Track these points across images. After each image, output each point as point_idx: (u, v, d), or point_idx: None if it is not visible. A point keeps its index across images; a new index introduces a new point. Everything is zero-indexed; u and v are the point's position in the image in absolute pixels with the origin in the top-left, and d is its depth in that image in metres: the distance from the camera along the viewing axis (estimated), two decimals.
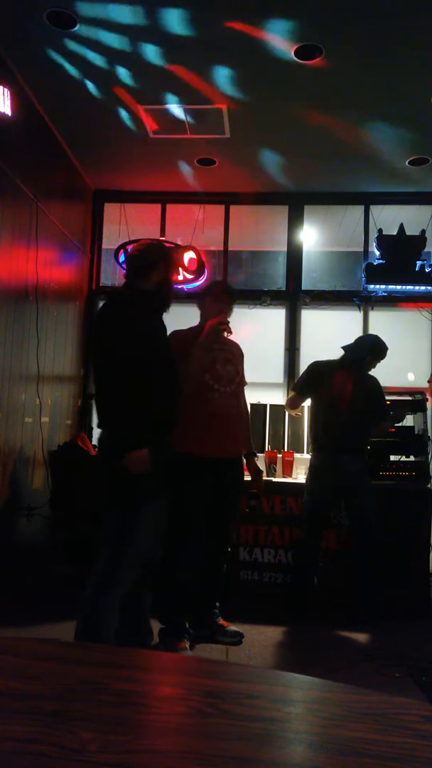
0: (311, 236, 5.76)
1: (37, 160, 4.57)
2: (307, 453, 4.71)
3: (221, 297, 3.19)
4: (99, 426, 2.53)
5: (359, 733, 0.74)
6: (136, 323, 2.44)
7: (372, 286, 5.30)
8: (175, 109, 4.31)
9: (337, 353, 4.07)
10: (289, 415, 4.52)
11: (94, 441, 4.93)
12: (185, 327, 3.19)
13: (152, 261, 2.58)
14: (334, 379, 3.85)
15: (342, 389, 3.80)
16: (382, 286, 5.30)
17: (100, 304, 5.70)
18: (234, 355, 3.29)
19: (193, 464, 3.01)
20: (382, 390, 3.90)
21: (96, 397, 2.53)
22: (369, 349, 3.90)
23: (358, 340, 4.07)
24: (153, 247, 2.72)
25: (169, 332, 2.65)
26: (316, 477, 3.82)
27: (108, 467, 2.44)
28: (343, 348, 3.98)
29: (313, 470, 3.85)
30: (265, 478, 4.23)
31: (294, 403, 4.09)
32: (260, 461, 4.40)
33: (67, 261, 5.23)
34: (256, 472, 3.44)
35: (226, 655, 3.09)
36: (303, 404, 4.22)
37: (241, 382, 3.32)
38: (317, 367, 3.97)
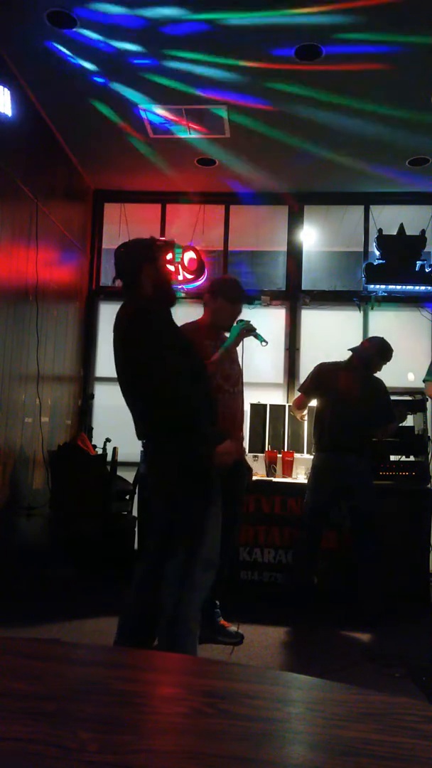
0: (311, 236, 5.76)
1: (37, 160, 4.57)
2: (308, 453, 4.71)
3: (238, 301, 3.16)
4: (150, 432, 2.42)
5: (359, 733, 0.74)
6: (158, 332, 2.36)
7: (372, 286, 5.30)
8: (175, 109, 4.31)
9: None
10: (294, 417, 4.44)
11: (95, 441, 4.94)
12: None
13: (138, 265, 2.44)
14: (340, 380, 3.85)
15: (348, 390, 3.80)
16: (382, 286, 5.30)
17: (101, 304, 5.75)
18: (236, 354, 3.28)
19: None
20: (388, 392, 3.90)
21: (141, 406, 2.41)
22: (377, 350, 3.90)
23: (365, 343, 4.07)
24: (131, 250, 2.55)
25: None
26: (318, 477, 3.82)
27: (177, 468, 2.35)
28: (351, 350, 3.98)
29: (316, 470, 3.84)
30: (265, 478, 4.24)
31: (300, 404, 4.06)
32: (260, 461, 4.41)
33: (67, 261, 5.23)
34: (246, 468, 3.41)
35: (227, 656, 3.09)
36: (307, 408, 4.16)
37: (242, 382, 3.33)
38: (323, 368, 3.96)
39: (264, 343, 3.17)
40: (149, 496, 2.63)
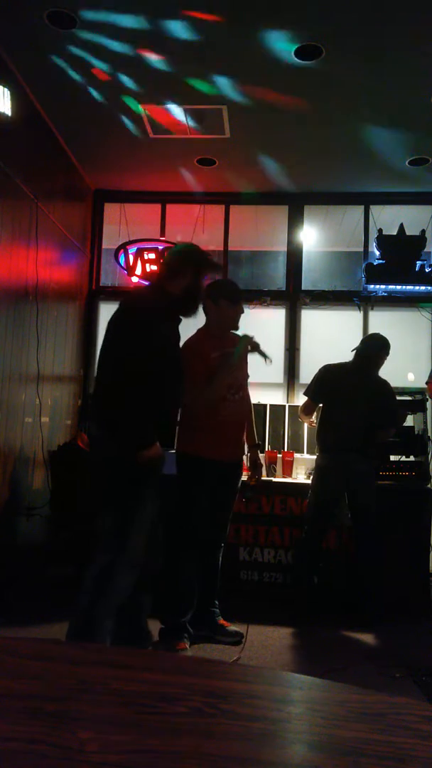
0: (311, 236, 5.76)
1: (37, 160, 4.57)
2: (308, 453, 4.71)
3: (239, 301, 3.17)
4: (96, 421, 2.51)
5: (359, 733, 0.74)
6: (149, 330, 2.43)
7: (372, 286, 5.30)
8: (175, 109, 4.31)
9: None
10: (303, 422, 4.35)
11: None
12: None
13: (180, 266, 2.57)
14: (345, 381, 3.84)
15: (354, 391, 3.79)
16: (382, 286, 5.30)
17: (101, 304, 5.75)
18: (243, 361, 3.29)
19: (200, 466, 3.03)
20: (395, 395, 3.88)
21: (98, 394, 2.50)
22: (380, 347, 3.89)
23: (367, 340, 4.04)
24: (185, 252, 2.68)
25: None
26: (323, 477, 3.81)
27: (111, 462, 2.43)
28: (355, 350, 3.95)
29: (321, 470, 3.83)
30: (265, 478, 4.23)
31: (308, 409, 4.00)
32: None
33: (67, 261, 5.23)
34: (254, 466, 3.43)
35: (226, 656, 3.09)
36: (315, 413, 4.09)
37: (247, 386, 3.35)
38: (328, 370, 3.94)
39: (268, 361, 3.19)
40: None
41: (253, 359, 3.31)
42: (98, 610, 2.28)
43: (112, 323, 2.52)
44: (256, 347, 3.14)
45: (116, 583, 2.33)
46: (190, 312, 2.63)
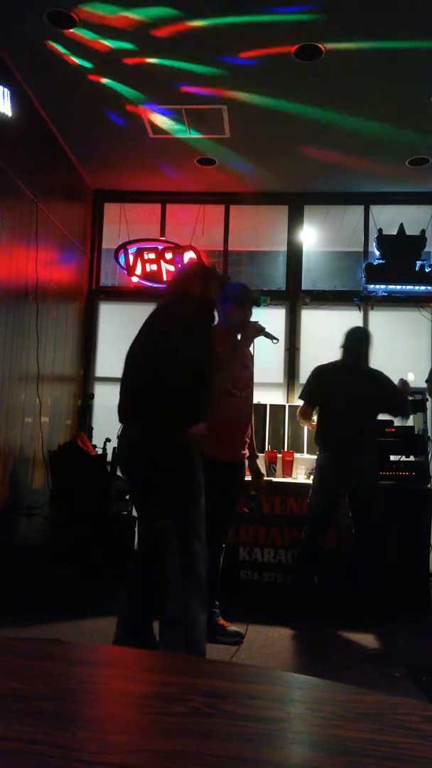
0: (311, 236, 5.76)
1: (37, 160, 4.57)
2: (308, 453, 4.70)
3: (245, 304, 3.21)
4: (136, 418, 2.50)
5: (359, 733, 0.74)
6: (201, 329, 2.55)
7: (372, 286, 5.30)
8: (175, 109, 4.31)
9: (337, 353, 4.05)
10: (303, 426, 4.32)
11: (95, 441, 4.93)
12: None
13: (201, 277, 2.73)
14: (340, 378, 3.83)
15: (350, 389, 3.79)
16: (382, 286, 5.30)
17: (101, 304, 5.75)
18: (247, 359, 3.31)
19: (206, 466, 3.03)
20: (392, 382, 3.87)
21: (139, 390, 2.51)
22: (361, 336, 3.91)
23: (350, 334, 3.97)
24: (200, 269, 2.89)
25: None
26: (324, 477, 3.80)
27: (163, 462, 2.44)
28: (342, 347, 3.94)
29: (322, 470, 3.81)
30: (265, 478, 4.23)
31: (305, 413, 3.97)
32: (260, 461, 4.39)
33: (67, 261, 5.23)
34: (257, 474, 3.47)
35: (229, 657, 3.09)
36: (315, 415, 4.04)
37: (252, 386, 3.35)
38: (321, 370, 3.93)
39: (275, 341, 3.24)
40: (131, 487, 2.77)
41: (255, 360, 3.33)
42: (192, 612, 2.28)
43: (159, 326, 2.57)
44: (261, 330, 3.16)
45: (197, 578, 2.34)
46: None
